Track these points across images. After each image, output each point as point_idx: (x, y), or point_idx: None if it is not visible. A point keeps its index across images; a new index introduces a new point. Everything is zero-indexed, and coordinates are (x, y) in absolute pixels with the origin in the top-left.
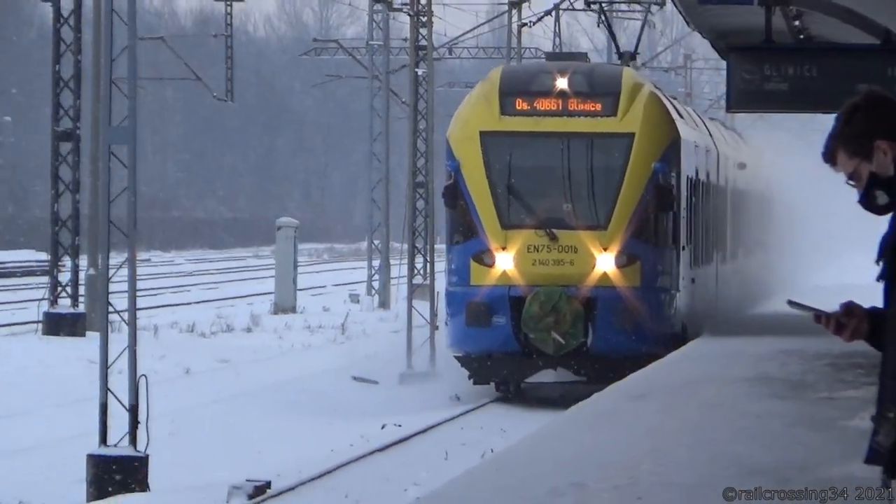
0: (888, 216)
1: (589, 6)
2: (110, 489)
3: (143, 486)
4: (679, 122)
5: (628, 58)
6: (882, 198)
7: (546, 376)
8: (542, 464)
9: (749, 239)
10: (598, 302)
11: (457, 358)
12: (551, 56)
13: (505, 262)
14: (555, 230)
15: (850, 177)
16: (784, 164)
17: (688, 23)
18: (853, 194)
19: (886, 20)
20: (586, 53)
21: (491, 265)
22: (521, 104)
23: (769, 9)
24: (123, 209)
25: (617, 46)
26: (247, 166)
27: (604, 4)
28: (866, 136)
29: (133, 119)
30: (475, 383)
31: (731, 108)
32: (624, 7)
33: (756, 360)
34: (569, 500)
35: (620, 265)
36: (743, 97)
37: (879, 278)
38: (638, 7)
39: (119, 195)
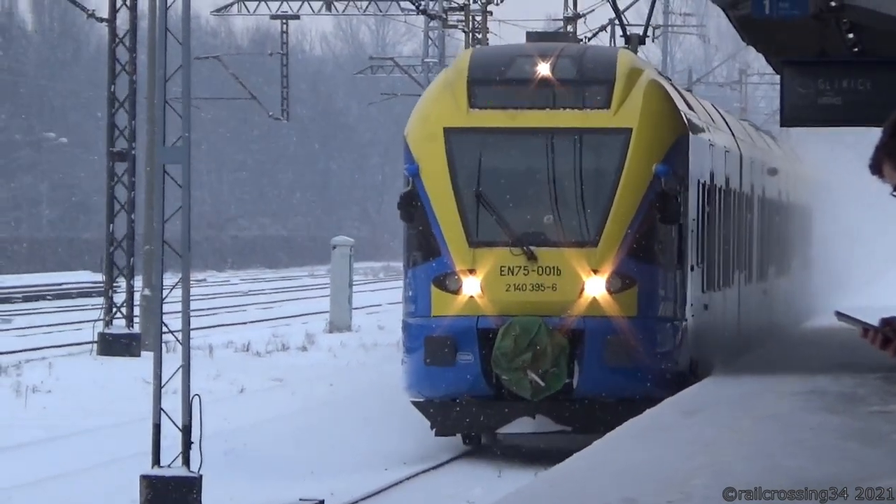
0: None
1: None
2: None
3: None
4: (688, 116)
5: (636, 41)
6: None
7: (523, 426)
8: (595, 479)
9: (783, 256)
10: (586, 335)
11: (415, 404)
12: (533, 36)
13: (473, 286)
14: (534, 248)
15: (894, 188)
16: (829, 173)
17: (742, 37)
18: None
19: None
20: (575, 33)
21: (456, 291)
22: (494, 95)
23: (824, 22)
24: (178, 229)
25: (623, 27)
26: (302, 185)
27: None
28: None
29: (187, 139)
30: (437, 434)
31: (784, 122)
32: None
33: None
34: None
35: (613, 290)
36: (796, 112)
37: None
38: None
39: (173, 215)
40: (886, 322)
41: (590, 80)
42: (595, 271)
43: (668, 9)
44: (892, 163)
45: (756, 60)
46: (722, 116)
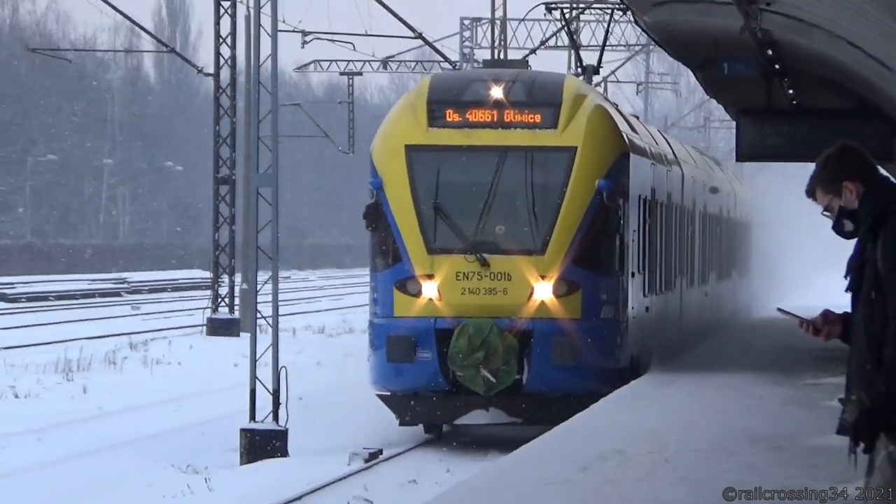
0: (853, 241)
1: (550, 11)
2: (257, 455)
3: (284, 453)
4: (630, 137)
5: (591, 71)
6: (848, 225)
7: (478, 417)
8: (593, 435)
9: (724, 263)
10: (534, 335)
11: (379, 397)
12: (489, 63)
13: (431, 290)
14: (486, 255)
15: (825, 209)
16: (766, 195)
17: (707, 91)
18: (827, 223)
19: (858, 89)
20: (527, 60)
21: (416, 294)
22: (451, 115)
23: (769, 81)
24: (268, 237)
25: (579, 59)
26: (364, 203)
27: (564, 10)
28: (837, 178)
29: (275, 167)
30: (401, 424)
31: (739, 158)
32: (588, 16)
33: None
34: (612, 463)
35: (559, 294)
36: (749, 150)
37: (847, 290)
38: (599, 13)
39: (265, 226)
40: (824, 314)
41: (539, 102)
42: (542, 277)
43: (648, 69)
44: (823, 189)
45: (717, 109)
46: (667, 140)
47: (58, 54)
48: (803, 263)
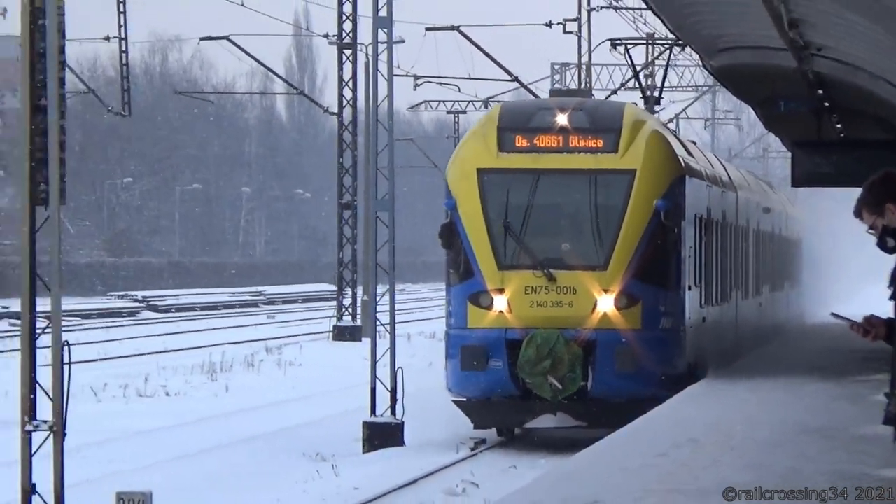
0: (895, 256)
1: (615, 48)
2: (377, 445)
3: (400, 442)
4: (686, 160)
5: (653, 101)
6: (891, 242)
7: (546, 421)
8: (667, 427)
9: (776, 277)
10: (597, 344)
11: (455, 402)
12: (555, 92)
13: (501, 303)
14: (553, 270)
15: (871, 227)
16: (816, 215)
17: (765, 126)
18: (871, 240)
19: None
20: (590, 90)
21: (487, 307)
22: (519, 141)
23: (820, 116)
24: (386, 255)
25: (642, 89)
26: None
27: (629, 45)
28: (881, 201)
29: (391, 194)
30: (475, 427)
31: (794, 184)
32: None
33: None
34: (685, 450)
35: (620, 306)
36: (802, 177)
37: (890, 298)
38: (661, 48)
39: (382, 246)
40: (868, 319)
41: (600, 128)
42: (605, 291)
43: (714, 106)
44: (868, 210)
45: (774, 141)
46: (723, 165)
47: (202, 97)
48: (849, 276)
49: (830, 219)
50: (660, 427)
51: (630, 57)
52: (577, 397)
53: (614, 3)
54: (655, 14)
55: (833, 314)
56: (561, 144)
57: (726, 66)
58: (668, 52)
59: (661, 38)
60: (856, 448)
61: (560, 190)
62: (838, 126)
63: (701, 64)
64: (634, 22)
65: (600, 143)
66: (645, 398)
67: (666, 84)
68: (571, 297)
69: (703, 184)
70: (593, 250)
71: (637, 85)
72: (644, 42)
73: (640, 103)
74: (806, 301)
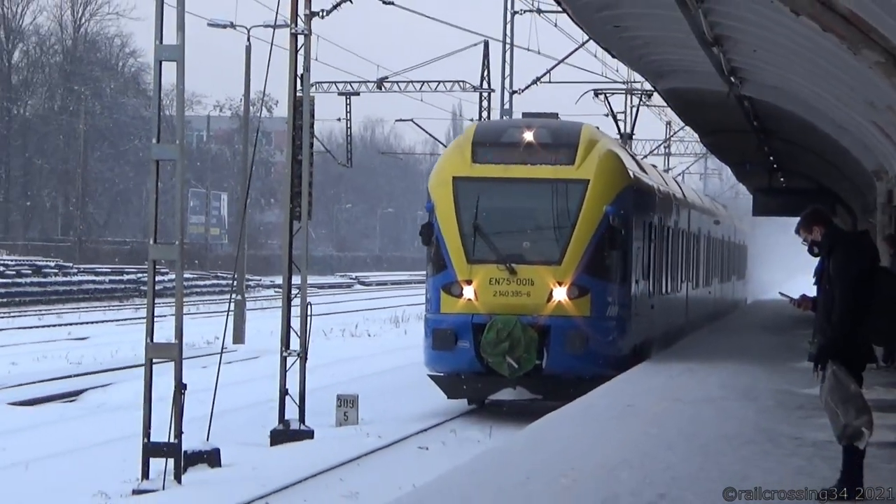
0: (817, 258)
1: (597, 95)
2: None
3: None
4: (638, 175)
5: (627, 137)
6: (815, 250)
7: (507, 394)
8: (615, 397)
9: (726, 271)
10: (551, 329)
11: (430, 377)
12: (526, 115)
13: (469, 292)
14: (514, 265)
15: (804, 240)
16: (757, 228)
17: (736, 176)
18: (798, 249)
19: (819, 178)
20: (557, 114)
21: (458, 295)
22: (491, 154)
23: (771, 174)
24: None
25: (619, 128)
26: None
27: (607, 94)
28: (810, 224)
29: None
30: (448, 398)
31: (754, 214)
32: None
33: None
34: (636, 409)
35: (572, 297)
36: (759, 210)
37: (814, 284)
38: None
39: None
40: (803, 296)
41: (560, 144)
42: (559, 283)
43: (706, 166)
44: (803, 230)
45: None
46: (679, 186)
47: (394, 155)
48: (779, 270)
49: (768, 232)
50: (616, 395)
51: (609, 103)
52: (533, 374)
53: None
54: (605, 49)
55: (780, 293)
56: (526, 157)
57: (670, 89)
58: (639, 98)
59: (636, 88)
60: (789, 376)
61: (523, 196)
62: (782, 179)
63: (654, 89)
64: (603, 72)
65: (559, 157)
66: (593, 376)
67: (674, 150)
68: (530, 287)
69: (653, 196)
70: (550, 248)
71: (616, 125)
72: (622, 91)
73: (615, 135)
74: (750, 288)
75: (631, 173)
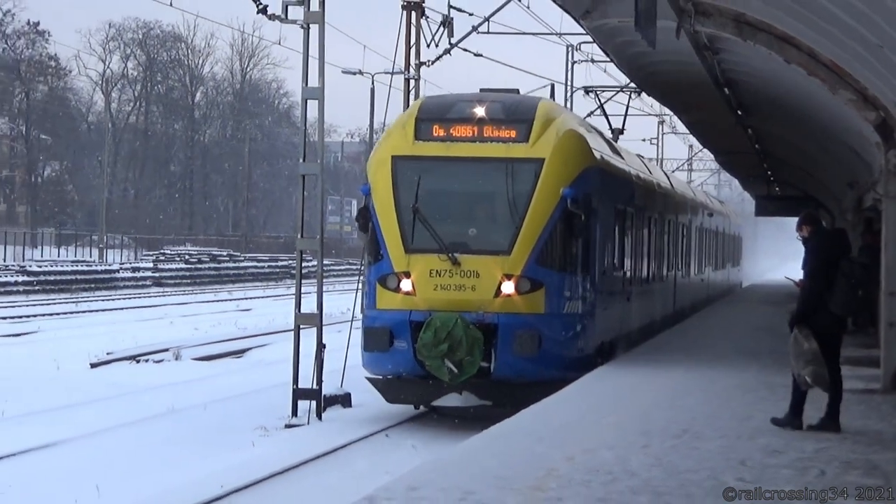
0: (804, 249)
1: (588, 94)
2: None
3: None
4: (604, 156)
5: (618, 132)
6: (805, 242)
7: (452, 400)
8: (587, 397)
9: (720, 259)
10: (499, 328)
11: (367, 379)
12: (484, 90)
13: (407, 286)
14: (457, 255)
15: (799, 235)
16: (752, 223)
17: (742, 186)
18: (790, 240)
19: (806, 188)
20: (518, 89)
21: (394, 289)
22: (436, 130)
23: (769, 185)
24: None
25: (610, 125)
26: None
27: (598, 91)
28: (803, 223)
29: None
30: (389, 402)
31: (756, 214)
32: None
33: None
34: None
35: (523, 291)
36: (761, 211)
37: (802, 269)
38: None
39: None
40: (802, 279)
41: (513, 119)
42: (508, 276)
43: (720, 179)
44: (798, 228)
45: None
46: (668, 178)
47: None
48: (771, 258)
49: (760, 226)
50: (584, 394)
51: (600, 100)
52: (481, 378)
53: (593, 58)
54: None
55: (786, 277)
56: (475, 134)
57: (692, 122)
58: (628, 95)
59: (626, 86)
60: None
61: (470, 177)
62: (777, 189)
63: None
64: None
65: (512, 134)
66: (547, 380)
67: (696, 167)
68: (475, 280)
69: (629, 181)
70: (498, 236)
71: (607, 122)
72: (612, 88)
73: (608, 133)
74: (744, 274)
75: (597, 154)
